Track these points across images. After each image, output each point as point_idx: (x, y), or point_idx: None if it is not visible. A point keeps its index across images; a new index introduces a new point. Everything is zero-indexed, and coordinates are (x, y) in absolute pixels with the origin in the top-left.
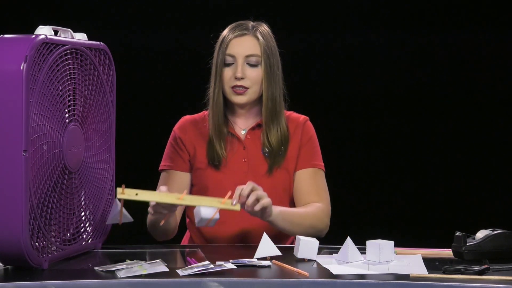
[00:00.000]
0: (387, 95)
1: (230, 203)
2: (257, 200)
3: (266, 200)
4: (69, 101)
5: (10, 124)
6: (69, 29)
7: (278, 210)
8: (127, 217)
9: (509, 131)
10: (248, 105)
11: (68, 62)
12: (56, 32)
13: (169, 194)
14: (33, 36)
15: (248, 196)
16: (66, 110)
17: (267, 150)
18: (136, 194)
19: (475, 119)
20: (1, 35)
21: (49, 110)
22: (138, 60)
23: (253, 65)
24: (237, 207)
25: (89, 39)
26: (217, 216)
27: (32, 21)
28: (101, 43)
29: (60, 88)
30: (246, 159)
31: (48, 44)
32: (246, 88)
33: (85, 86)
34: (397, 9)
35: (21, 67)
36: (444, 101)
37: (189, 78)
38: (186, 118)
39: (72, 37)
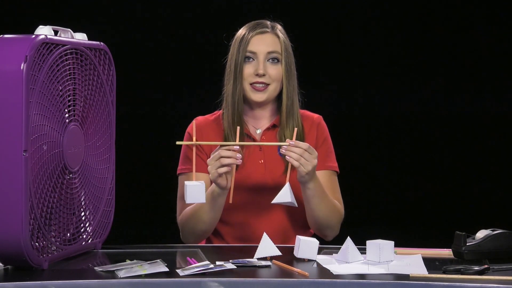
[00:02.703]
0: (387, 95)
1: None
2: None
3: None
4: (69, 101)
5: (10, 124)
6: (69, 29)
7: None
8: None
9: (509, 132)
10: (266, 103)
11: (68, 62)
12: (56, 32)
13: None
14: (33, 36)
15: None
16: (66, 110)
17: (283, 150)
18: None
19: (475, 120)
20: (1, 35)
21: (49, 110)
22: (138, 60)
23: (273, 63)
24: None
25: (89, 39)
26: (199, 183)
27: (32, 21)
28: (101, 43)
29: (60, 88)
30: (262, 160)
31: (48, 44)
32: (266, 85)
33: (85, 86)
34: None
35: (21, 67)
36: (444, 101)
37: (190, 78)
38: (199, 119)
39: (72, 37)
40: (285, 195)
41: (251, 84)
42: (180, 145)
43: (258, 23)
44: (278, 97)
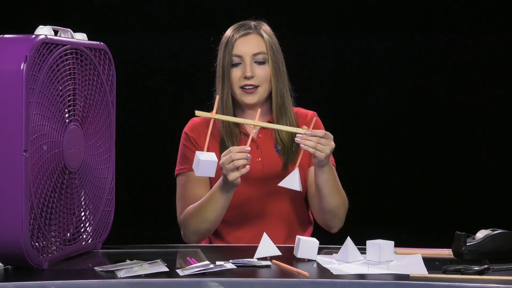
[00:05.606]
0: (386, 93)
1: (304, 130)
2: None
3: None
4: (69, 101)
5: (10, 124)
6: (69, 29)
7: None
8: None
9: (509, 131)
10: (258, 104)
11: (68, 62)
12: (56, 32)
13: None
14: (33, 36)
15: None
16: (66, 110)
17: (279, 147)
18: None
19: (475, 119)
20: (1, 35)
21: (49, 110)
22: (138, 60)
23: (260, 63)
24: (303, 131)
25: (89, 39)
26: (215, 159)
27: (32, 21)
28: (101, 43)
29: (60, 88)
30: (260, 159)
31: (48, 44)
32: (256, 86)
33: (85, 86)
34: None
35: (21, 67)
36: (445, 100)
37: (189, 78)
38: (195, 119)
39: (72, 37)
40: (292, 180)
41: (241, 87)
42: (178, 144)
43: (241, 24)
44: (270, 96)
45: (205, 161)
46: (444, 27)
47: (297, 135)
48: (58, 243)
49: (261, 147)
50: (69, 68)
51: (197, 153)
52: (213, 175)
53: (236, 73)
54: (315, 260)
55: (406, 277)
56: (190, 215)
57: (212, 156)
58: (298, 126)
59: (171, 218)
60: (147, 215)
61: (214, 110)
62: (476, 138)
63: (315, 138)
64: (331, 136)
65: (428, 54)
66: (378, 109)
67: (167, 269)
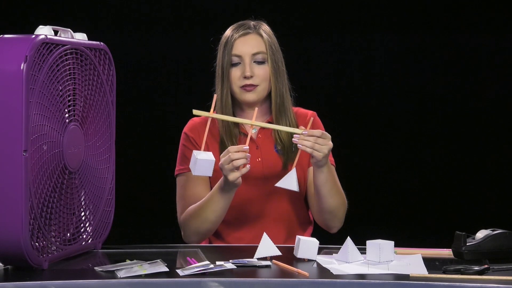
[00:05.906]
0: (387, 93)
1: (301, 130)
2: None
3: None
4: (69, 101)
5: (10, 124)
6: (69, 29)
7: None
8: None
9: (508, 131)
10: (257, 103)
11: (68, 62)
12: (56, 32)
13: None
14: (33, 36)
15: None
16: (66, 110)
17: (279, 147)
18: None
19: (475, 119)
20: (1, 35)
21: (49, 110)
22: (138, 60)
23: (260, 63)
24: (300, 131)
25: (89, 39)
26: (213, 158)
27: (32, 21)
28: (101, 43)
29: (60, 88)
30: (260, 159)
31: (48, 44)
32: (255, 86)
33: (85, 86)
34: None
35: (21, 67)
36: (444, 101)
37: (189, 78)
38: (195, 119)
39: (72, 37)
40: (290, 180)
41: (241, 87)
42: (178, 144)
43: (240, 24)
44: (270, 95)
45: (202, 160)
46: (444, 27)
47: (294, 135)
48: (58, 243)
49: (260, 147)
50: (69, 68)
51: (195, 152)
52: (210, 174)
53: (235, 73)
54: (315, 260)
55: (406, 277)
56: (190, 216)
57: (209, 155)
58: (297, 126)
59: (171, 218)
60: (147, 215)
61: (212, 109)
62: (476, 138)
63: (312, 138)
64: (329, 136)
65: (428, 54)
66: (378, 109)
67: (167, 269)
